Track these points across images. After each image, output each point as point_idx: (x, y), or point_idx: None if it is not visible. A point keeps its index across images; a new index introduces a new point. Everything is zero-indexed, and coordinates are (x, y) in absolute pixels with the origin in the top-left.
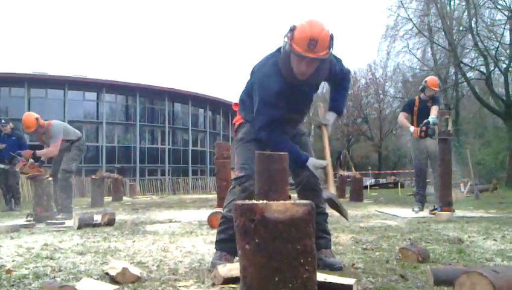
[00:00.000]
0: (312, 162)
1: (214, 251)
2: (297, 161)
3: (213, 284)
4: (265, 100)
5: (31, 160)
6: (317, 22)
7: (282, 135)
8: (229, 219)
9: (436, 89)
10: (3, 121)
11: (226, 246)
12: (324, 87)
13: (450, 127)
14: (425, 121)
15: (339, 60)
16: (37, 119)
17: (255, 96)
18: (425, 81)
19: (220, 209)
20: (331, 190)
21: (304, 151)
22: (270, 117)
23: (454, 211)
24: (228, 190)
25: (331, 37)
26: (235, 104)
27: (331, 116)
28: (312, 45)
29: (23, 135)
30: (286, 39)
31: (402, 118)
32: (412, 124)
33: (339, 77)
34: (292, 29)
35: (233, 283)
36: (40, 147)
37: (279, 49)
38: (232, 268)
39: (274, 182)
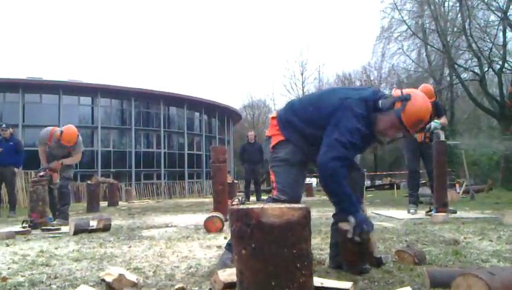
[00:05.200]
0: (357, 219)
1: (211, 255)
2: (345, 206)
3: (210, 289)
4: (354, 132)
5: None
6: (429, 103)
7: (345, 176)
8: None
9: (431, 100)
10: (4, 125)
11: None
12: None
13: (442, 138)
14: (427, 126)
15: None
16: (78, 135)
17: (339, 123)
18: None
19: (216, 214)
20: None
21: (353, 189)
22: (350, 152)
23: (455, 213)
24: None
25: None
26: (273, 117)
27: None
28: (417, 125)
29: (21, 141)
30: (396, 103)
31: None
32: None
33: None
34: (407, 99)
35: (232, 288)
36: (36, 152)
37: (372, 98)
38: (232, 273)
39: None
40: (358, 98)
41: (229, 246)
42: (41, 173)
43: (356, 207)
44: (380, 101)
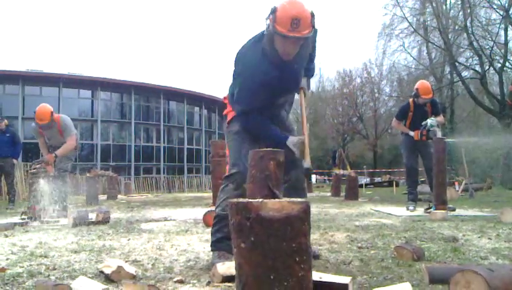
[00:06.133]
0: (291, 140)
1: (210, 249)
2: (277, 142)
3: (208, 283)
4: (246, 88)
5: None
6: (297, 1)
7: (260, 117)
8: (223, 217)
9: (429, 97)
10: None
11: (222, 245)
12: None
13: (439, 135)
14: (423, 123)
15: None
16: (52, 112)
17: (236, 82)
18: (417, 89)
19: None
20: (307, 161)
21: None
22: (249, 106)
23: (454, 210)
24: (220, 189)
25: (312, 15)
26: (225, 97)
27: (305, 80)
28: (295, 24)
29: (18, 133)
30: (268, 21)
31: (396, 125)
32: (409, 128)
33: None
34: (274, 11)
35: (230, 281)
36: (35, 144)
37: (263, 33)
38: (231, 266)
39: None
40: (250, 49)
41: (213, 246)
42: (37, 166)
43: (286, 136)
44: None
